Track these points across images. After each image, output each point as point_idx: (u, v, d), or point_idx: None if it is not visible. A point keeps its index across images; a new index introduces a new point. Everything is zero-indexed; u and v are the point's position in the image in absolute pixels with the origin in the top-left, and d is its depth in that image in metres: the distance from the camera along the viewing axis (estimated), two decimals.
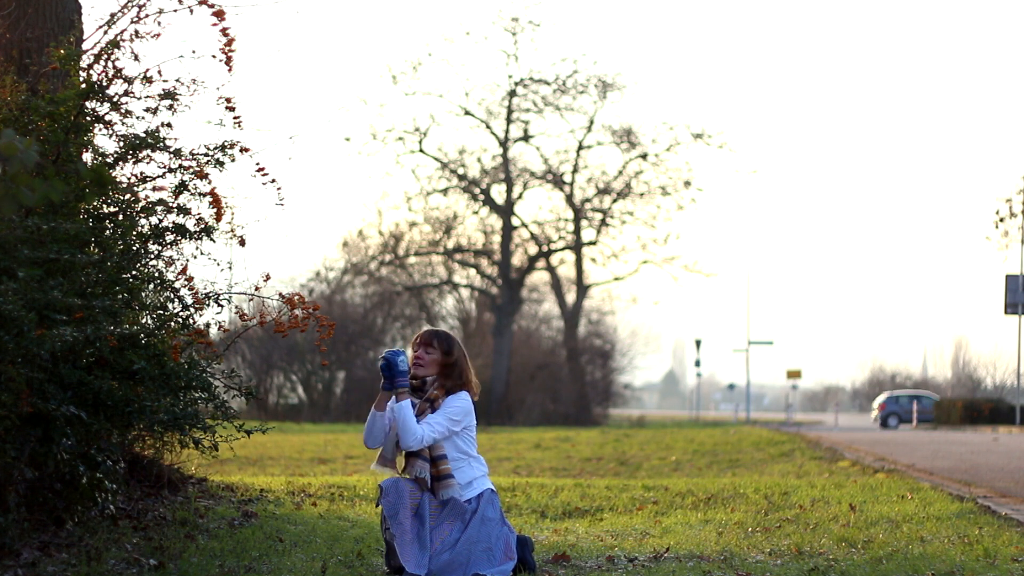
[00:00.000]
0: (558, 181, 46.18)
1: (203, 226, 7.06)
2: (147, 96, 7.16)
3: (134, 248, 6.96)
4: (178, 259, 7.13)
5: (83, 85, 6.92)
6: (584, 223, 46.94)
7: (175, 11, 7.41)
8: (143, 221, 7.06)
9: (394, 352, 6.13)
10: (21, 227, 5.94)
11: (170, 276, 7.10)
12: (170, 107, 7.14)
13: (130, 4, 7.51)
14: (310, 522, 7.92)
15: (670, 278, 49.95)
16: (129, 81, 7.14)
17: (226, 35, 7.13)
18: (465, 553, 5.99)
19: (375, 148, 44.53)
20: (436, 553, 5.98)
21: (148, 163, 7.17)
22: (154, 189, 7.11)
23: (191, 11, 7.36)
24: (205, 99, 7.19)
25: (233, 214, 7.16)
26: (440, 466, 6.12)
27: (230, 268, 7.32)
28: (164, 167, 7.12)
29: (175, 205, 7.04)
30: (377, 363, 6.20)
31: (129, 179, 7.17)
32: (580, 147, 46.05)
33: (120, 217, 7.01)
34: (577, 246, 47.15)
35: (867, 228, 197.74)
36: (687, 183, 45.45)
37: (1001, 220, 39.66)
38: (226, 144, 7.11)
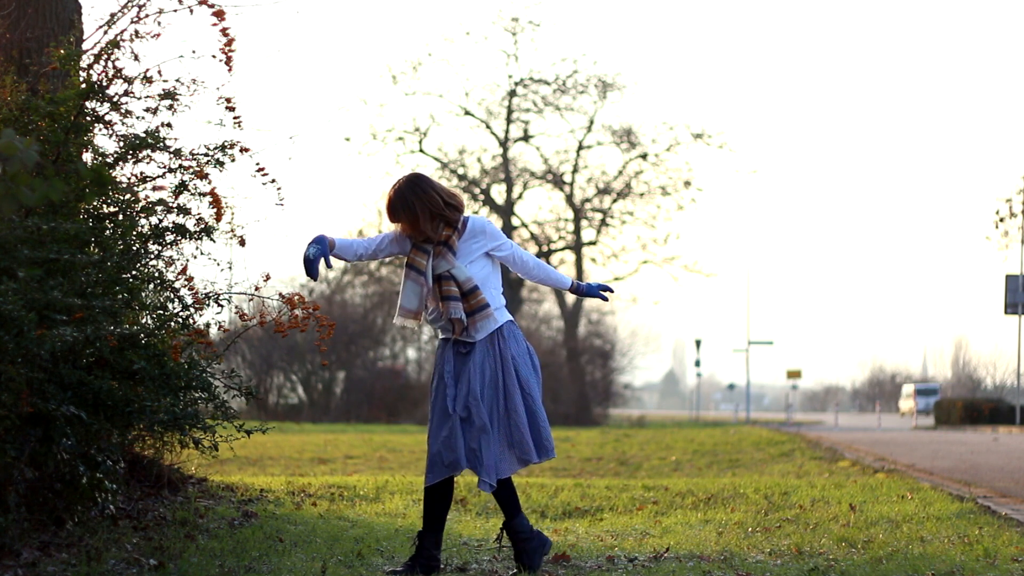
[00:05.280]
0: (558, 181, 46.17)
1: (203, 226, 7.06)
2: (147, 96, 7.15)
3: (134, 248, 6.95)
4: (178, 259, 7.13)
5: (83, 85, 6.91)
6: (584, 223, 46.94)
7: (175, 11, 7.41)
8: (143, 221, 7.05)
9: (315, 251, 6.02)
10: (21, 227, 5.94)
11: (170, 276, 7.10)
12: (170, 107, 7.14)
13: (130, 4, 7.51)
14: (310, 522, 7.92)
15: (670, 278, 50.01)
16: (129, 81, 7.14)
17: (226, 35, 7.13)
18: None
19: (375, 148, 44.58)
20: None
21: (148, 163, 7.17)
22: (154, 189, 7.11)
23: (191, 11, 7.36)
24: (205, 99, 7.19)
25: (233, 214, 7.16)
26: (472, 300, 6.05)
27: (230, 268, 7.33)
28: (164, 167, 7.12)
29: (175, 205, 7.04)
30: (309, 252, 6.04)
31: (129, 179, 7.17)
32: (580, 147, 46.05)
33: (120, 217, 7.00)
34: (577, 246, 47.13)
35: (867, 228, 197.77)
36: (687, 183, 45.45)
37: (1001, 220, 39.62)
38: (226, 144, 7.10)
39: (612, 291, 6.56)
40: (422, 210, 6.04)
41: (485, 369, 6.08)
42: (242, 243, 7.22)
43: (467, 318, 6.05)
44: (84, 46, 7.82)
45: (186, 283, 7.09)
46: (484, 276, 6.16)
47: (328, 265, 6.08)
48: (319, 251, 6.04)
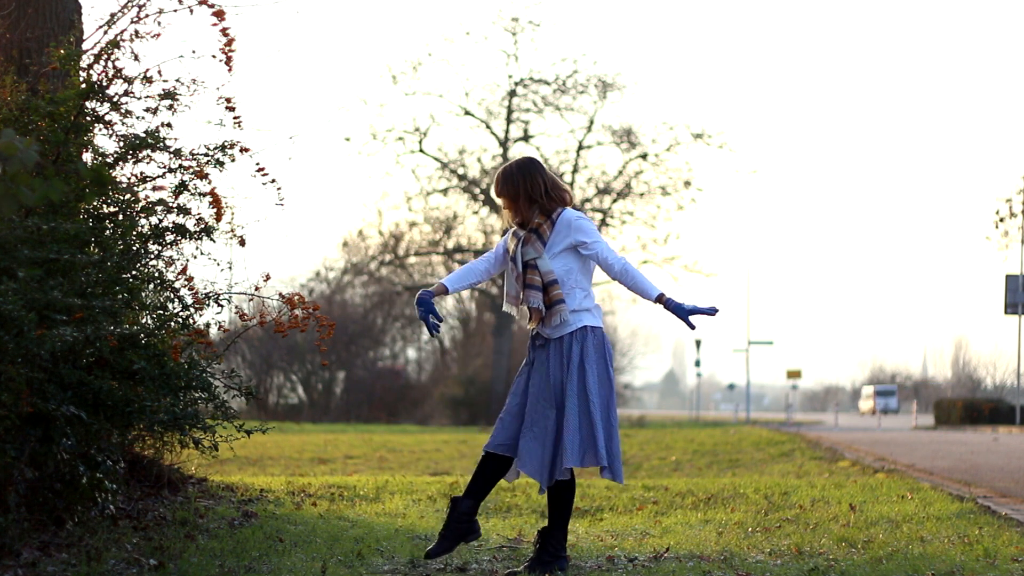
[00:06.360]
0: None
1: (203, 226, 7.06)
2: (147, 96, 7.16)
3: (134, 248, 6.96)
4: (178, 259, 7.13)
5: (83, 85, 6.92)
6: None
7: (175, 11, 7.42)
8: (143, 221, 7.06)
9: (421, 313, 6.16)
10: (21, 227, 5.94)
11: (170, 276, 7.10)
12: (170, 107, 7.14)
13: (130, 4, 7.51)
14: (310, 522, 7.92)
15: (670, 278, 50.01)
16: (129, 81, 7.14)
17: (226, 35, 7.13)
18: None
19: (375, 148, 44.52)
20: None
21: (148, 163, 7.17)
22: (154, 189, 7.11)
23: (191, 11, 7.37)
24: (205, 99, 7.20)
25: (233, 214, 7.17)
26: (551, 292, 6.10)
27: (230, 268, 7.33)
28: (164, 167, 7.12)
29: (175, 205, 7.04)
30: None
31: (129, 179, 7.17)
32: (580, 147, 46.02)
33: (120, 217, 7.01)
34: None
35: (867, 228, 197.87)
36: (687, 183, 45.40)
37: (1001, 220, 39.64)
38: (226, 144, 7.11)
39: (712, 314, 6.31)
40: (523, 190, 6.16)
41: (552, 368, 6.13)
42: (242, 243, 7.22)
43: (546, 311, 6.11)
44: (84, 46, 7.83)
45: (186, 283, 7.09)
46: (565, 272, 6.16)
47: (438, 319, 6.17)
48: (424, 311, 6.16)
